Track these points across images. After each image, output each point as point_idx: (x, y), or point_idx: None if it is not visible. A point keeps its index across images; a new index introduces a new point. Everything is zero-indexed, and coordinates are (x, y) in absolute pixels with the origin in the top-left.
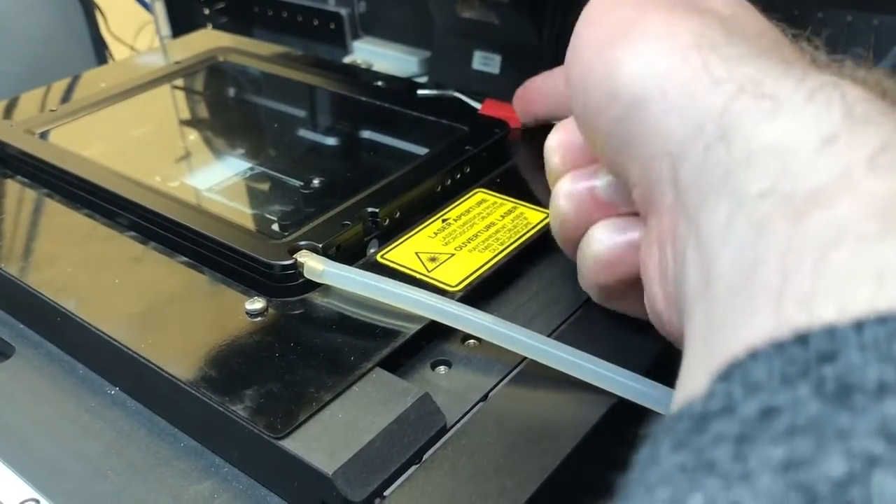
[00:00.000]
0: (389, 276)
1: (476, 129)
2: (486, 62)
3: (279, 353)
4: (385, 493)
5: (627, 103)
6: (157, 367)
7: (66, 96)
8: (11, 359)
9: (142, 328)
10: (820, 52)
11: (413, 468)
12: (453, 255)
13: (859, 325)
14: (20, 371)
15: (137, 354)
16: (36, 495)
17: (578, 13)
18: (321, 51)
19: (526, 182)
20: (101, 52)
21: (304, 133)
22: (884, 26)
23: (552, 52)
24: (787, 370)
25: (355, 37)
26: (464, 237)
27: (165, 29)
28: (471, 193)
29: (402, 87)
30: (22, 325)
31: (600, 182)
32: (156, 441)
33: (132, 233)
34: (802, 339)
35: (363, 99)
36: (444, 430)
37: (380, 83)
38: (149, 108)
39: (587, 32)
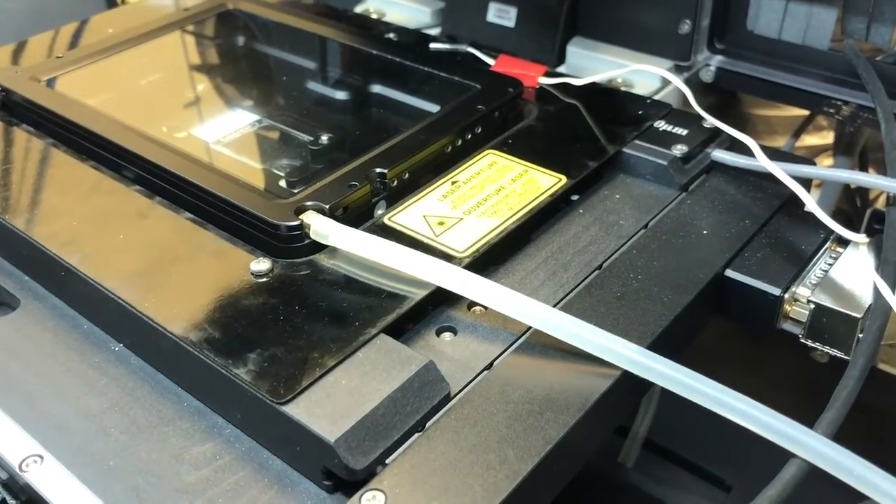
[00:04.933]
0: (396, 240)
1: (489, 87)
2: (501, 14)
3: (284, 315)
4: (387, 461)
5: None
6: (160, 326)
7: (74, 42)
8: (17, 311)
9: (145, 286)
10: None
11: (416, 436)
12: (461, 219)
13: None
14: (25, 324)
15: (140, 313)
16: (40, 450)
17: None
18: None
19: (538, 144)
20: None
21: (313, 86)
22: None
23: (569, 9)
24: None
25: None
26: (473, 201)
27: None
28: (481, 155)
29: (414, 41)
30: (27, 278)
31: None
32: (159, 399)
33: (138, 187)
34: None
35: (374, 52)
36: (447, 399)
37: (392, 36)
38: (156, 57)
39: None
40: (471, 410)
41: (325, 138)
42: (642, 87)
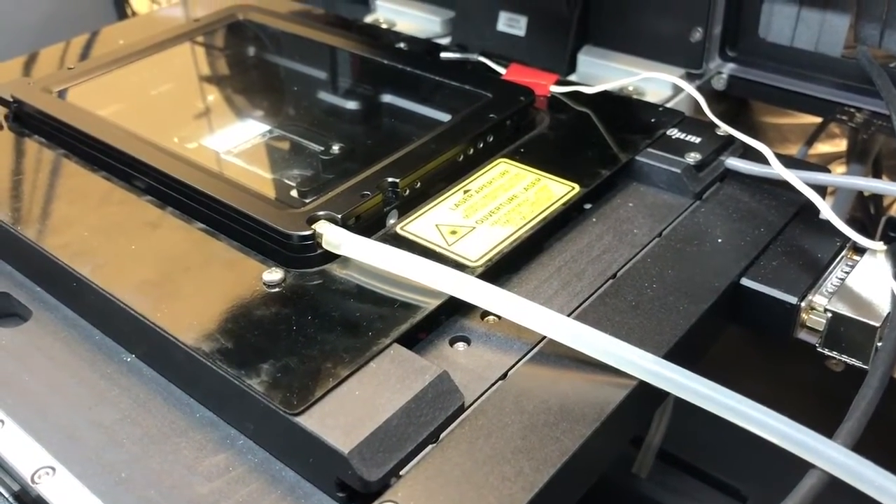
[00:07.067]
0: (409, 249)
1: (500, 96)
2: (511, 23)
3: (296, 325)
4: (401, 473)
5: None
6: (173, 336)
7: (85, 53)
8: (28, 322)
9: (157, 296)
10: None
11: (430, 447)
12: (474, 228)
13: None
14: (37, 335)
15: (153, 323)
16: (52, 462)
17: None
18: (343, 8)
19: (550, 153)
20: (120, 3)
21: (324, 96)
22: None
23: (580, 17)
24: None
25: None
26: (485, 210)
27: None
28: (493, 163)
29: (424, 50)
30: (39, 289)
31: None
32: (171, 410)
33: (149, 197)
34: None
35: (385, 62)
36: (461, 410)
37: (402, 45)
38: (167, 67)
39: None
40: (485, 421)
41: (336, 148)
42: (654, 96)
